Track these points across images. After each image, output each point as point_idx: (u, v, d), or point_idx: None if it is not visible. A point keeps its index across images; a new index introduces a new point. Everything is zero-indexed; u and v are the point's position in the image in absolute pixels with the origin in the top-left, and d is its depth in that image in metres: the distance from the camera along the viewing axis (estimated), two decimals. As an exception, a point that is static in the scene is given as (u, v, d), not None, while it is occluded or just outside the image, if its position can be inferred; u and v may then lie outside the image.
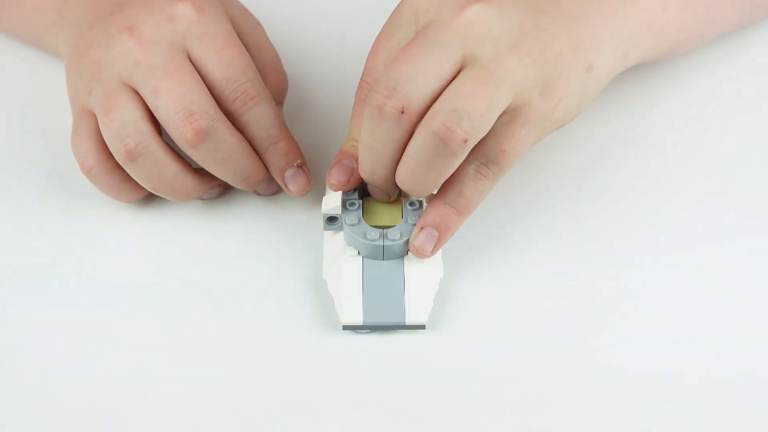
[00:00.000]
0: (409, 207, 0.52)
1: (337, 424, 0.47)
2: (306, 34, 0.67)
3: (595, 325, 0.51)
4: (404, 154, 0.48)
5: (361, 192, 0.53)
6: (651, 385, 0.48)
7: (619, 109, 0.63)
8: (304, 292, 0.52)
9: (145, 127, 0.51)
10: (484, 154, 0.48)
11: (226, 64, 0.52)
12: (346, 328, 0.50)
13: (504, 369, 0.49)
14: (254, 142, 0.54)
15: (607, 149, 0.60)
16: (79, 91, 0.54)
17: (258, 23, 0.60)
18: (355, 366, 0.49)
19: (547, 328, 0.50)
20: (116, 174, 0.53)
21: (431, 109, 0.47)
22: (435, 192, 0.50)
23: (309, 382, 0.48)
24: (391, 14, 0.52)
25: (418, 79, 0.46)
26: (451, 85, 0.47)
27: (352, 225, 0.51)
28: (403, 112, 0.46)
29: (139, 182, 0.53)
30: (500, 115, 0.47)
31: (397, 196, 0.52)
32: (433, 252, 0.51)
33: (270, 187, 0.56)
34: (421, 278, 0.51)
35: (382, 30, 0.52)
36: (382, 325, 0.50)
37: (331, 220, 0.52)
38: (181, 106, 0.50)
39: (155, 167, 0.52)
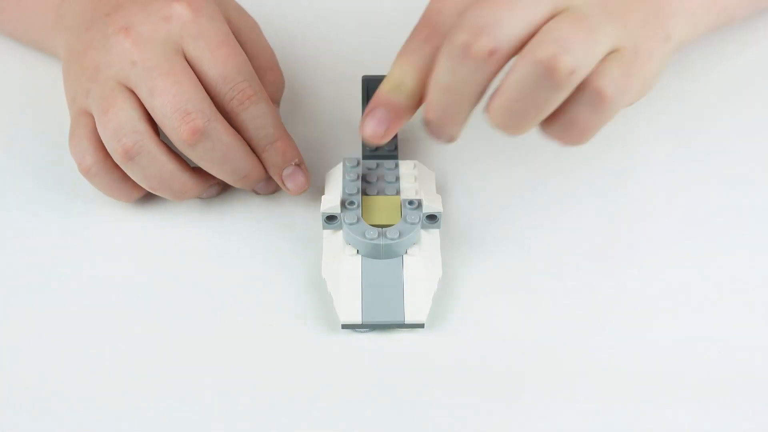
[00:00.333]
0: (408, 206, 0.52)
1: (337, 423, 0.47)
2: (302, 34, 0.67)
3: (595, 325, 0.51)
4: (501, 87, 0.44)
5: (360, 191, 0.53)
6: (651, 385, 0.48)
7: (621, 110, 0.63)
8: (303, 291, 0.52)
9: (142, 126, 0.51)
10: (583, 95, 0.44)
11: (222, 63, 0.52)
12: (345, 327, 0.50)
13: (503, 368, 0.49)
14: (251, 142, 0.54)
15: (608, 149, 0.60)
16: (76, 92, 0.54)
17: (255, 23, 0.60)
18: (354, 365, 0.49)
19: (546, 328, 0.50)
20: (114, 174, 0.53)
21: (532, 40, 0.43)
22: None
23: (308, 381, 0.48)
24: None
25: (510, 20, 0.43)
26: (547, 24, 0.43)
27: (351, 224, 0.51)
28: (491, 54, 0.43)
29: (137, 182, 0.53)
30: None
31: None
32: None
33: (268, 186, 0.56)
34: (420, 277, 0.50)
35: None
36: (381, 324, 0.50)
37: (330, 218, 0.52)
38: (177, 105, 0.51)
39: (153, 166, 0.52)
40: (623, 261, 0.53)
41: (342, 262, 0.51)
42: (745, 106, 0.62)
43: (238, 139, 0.53)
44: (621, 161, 0.59)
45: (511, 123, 0.45)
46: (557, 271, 0.53)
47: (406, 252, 0.51)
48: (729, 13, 0.58)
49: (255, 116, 0.53)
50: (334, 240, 0.52)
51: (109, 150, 0.52)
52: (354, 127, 0.61)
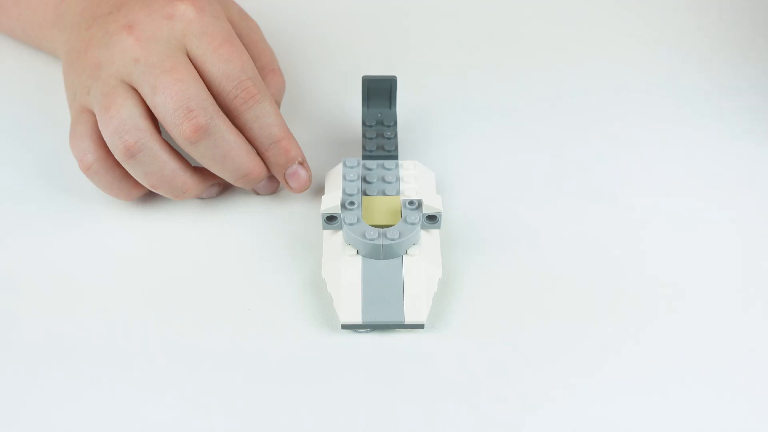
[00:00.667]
0: (408, 206, 0.52)
1: (336, 423, 0.47)
2: (303, 35, 0.67)
3: (595, 325, 0.51)
4: None
5: (360, 191, 0.53)
6: (651, 386, 0.48)
7: (621, 110, 0.63)
8: (303, 291, 0.52)
9: (144, 124, 0.51)
10: None
11: (225, 61, 0.52)
12: (345, 327, 0.50)
13: (503, 368, 0.49)
14: (255, 141, 0.54)
15: (608, 149, 0.60)
16: (77, 90, 0.54)
17: (256, 24, 0.60)
18: (354, 365, 0.49)
19: (546, 328, 0.50)
20: (115, 171, 0.53)
21: None
22: None
23: (308, 381, 0.48)
24: None
25: None
26: None
27: (351, 224, 0.51)
28: None
29: (137, 179, 0.53)
30: None
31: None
32: None
33: (269, 186, 0.56)
34: (420, 277, 0.50)
35: None
36: (381, 324, 0.50)
37: (330, 219, 0.52)
38: (179, 103, 0.51)
39: (154, 164, 0.52)
40: (623, 261, 0.53)
41: (342, 263, 0.51)
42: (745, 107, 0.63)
43: (240, 138, 0.53)
44: (621, 162, 0.59)
45: None
46: (557, 272, 0.53)
47: (406, 252, 0.51)
48: None
49: (259, 115, 0.53)
50: (334, 240, 0.52)
51: (110, 147, 0.52)
52: (354, 127, 0.61)
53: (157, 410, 0.47)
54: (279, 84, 0.59)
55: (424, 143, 0.60)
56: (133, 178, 0.54)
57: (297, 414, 0.47)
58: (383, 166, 0.55)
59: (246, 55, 0.53)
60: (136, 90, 0.52)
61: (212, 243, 0.54)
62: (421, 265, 0.51)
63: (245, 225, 0.55)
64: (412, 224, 0.51)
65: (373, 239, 0.51)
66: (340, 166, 0.55)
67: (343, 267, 0.51)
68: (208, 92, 0.52)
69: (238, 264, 0.53)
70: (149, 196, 0.56)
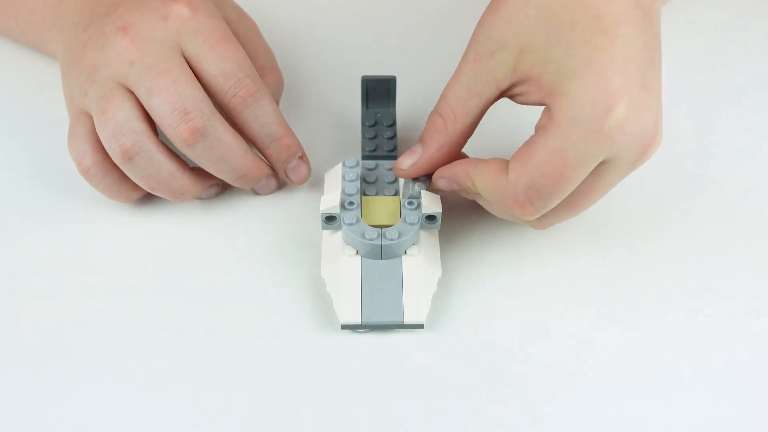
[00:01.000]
0: (407, 206, 0.52)
1: (336, 423, 0.47)
2: (302, 34, 0.67)
3: (595, 325, 0.51)
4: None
5: (360, 191, 0.53)
6: (651, 386, 0.48)
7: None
8: (303, 291, 0.52)
9: (141, 126, 0.51)
10: None
11: (221, 59, 0.52)
12: (344, 327, 0.50)
13: (502, 369, 0.49)
14: (255, 140, 0.54)
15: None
16: (75, 93, 0.54)
17: (254, 23, 0.60)
18: (353, 365, 0.49)
19: (545, 328, 0.50)
20: (113, 174, 0.53)
21: None
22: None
23: (307, 381, 0.48)
24: (479, 38, 0.49)
25: (558, 197, 0.47)
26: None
27: (350, 224, 0.51)
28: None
29: (136, 182, 0.53)
30: None
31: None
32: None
33: (267, 186, 0.56)
34: (419, 278, 0.50)
35: (470, 49, 0.49)
36: (380, 324, 0.50)
37: (330, 219, 0.52)
38: (175, 105, 0.51)
39: (151, 167, 0.52)
40: (623, 262, 0.53)
41: (341, 263, 0.51)
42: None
43: (237, 138, 0.53)
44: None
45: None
46: (556, 272, 0.53)
47: (405, 252, 0.51)
48: None
49: (258, 114, 0.53)
50: (334, 240, 0.52)
51: (107, 150, 0.52)
52: (353, 127, 0.61)
53: (157, 410, 0.47)
54: (277, 83, 0.59)
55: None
56: (132, 181, 0.53)
57: (297, 414, 0.47)
58: (382, 166, 0.55)
59: (242, 52, 0.53)
60: (132, 92, 0.52)
61: (211, 243, 0.54)
62: (421, 265, 0.51)
63: (244, 225, 0.55)
64: (412, 224, 0.51)
65: (372, 239, 0.51)
66: (339, 166, 0.55)
67: (343, 267, 0.51)
68: (205, 93, 0.52)
69: (237, 264, 0.53)
70: (148, 198, 0.56)
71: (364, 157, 0.56)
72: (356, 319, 0.49)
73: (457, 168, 0.51)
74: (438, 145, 0.51)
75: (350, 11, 0.68)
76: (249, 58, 0.54)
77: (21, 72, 0.64)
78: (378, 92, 0.58)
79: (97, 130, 0.52)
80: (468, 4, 0.69)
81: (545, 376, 0.48)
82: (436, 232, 0.53)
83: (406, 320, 0.49)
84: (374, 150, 0.57)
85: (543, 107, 0.47)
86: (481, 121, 0.50)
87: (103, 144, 0.52)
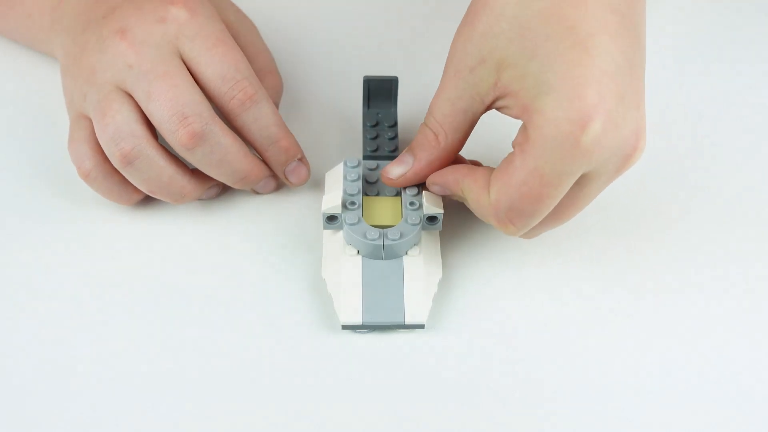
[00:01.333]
0: (408, 207, 0.52)
1: (336, 423, 0.47)
2: (302, 35, 0.67)
3: (595, 325, 0.51)
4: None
5: (361, 191, 0.53)
6: (651, 386, 0.48)
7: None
8: (304, 292, 0.52)
9: (140, 130, 0.51)
10: None
11: (219, 62, 0.52)
12: (345, 327, 0.50)
13: (503, 369, 0.49)
14: (254, 142, 0.54)
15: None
16: (74, 96, 0.54)
17: (253, 25, 0.60)
18: (354, 365, 0.49)
19: (546, 329, 0.50)
20: (113, 177, 0.53)
21: None
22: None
23: (308, 381, 0.48)
24: (456, 52, 0.48)
25: (539, 215, 0.47)
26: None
27: (351, 224, 0.51)
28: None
29: (136, 185, 0.53)
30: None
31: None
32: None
33: (268, 186, 0.56)
34: (420, 278, 0.50)
35: (450, 63, 0.48)
36: (381, 324, 0.50)
37: (331, 219, 0.52)
38: (174, 110, 0.50)
39: (151, 170, 0.52)
40: (623, 262, 0.53)
41: (342, 263, 0.51)
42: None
43: (236, 141, 0.53)
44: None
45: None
46: (557, 273, 0.53)
47: (406, 253, 0.51)
48: None
49: (257, 116, 0.53)
50: (335, 240, 0.52)
51: (107, 154, 0.52)
52: (355, 127, 0.61)
53: (157, 410, 0.47)
54: (277, 85, 0.59)
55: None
56: (132, 184, 0.53)
57: (297, 414, 0.47)
58: (384, 167, 0.55)
59: (240, 54, 0.53)
60: (131, 96, 0.52)
61: (212, 244, 0.54)
62: (422, 265, 0.51)
63: (245, 225, 0.55)
64: (413, 225, 0.51)
65: (373, 239, 0.51)
66: (340, 166, 0.55)
67: (344, 267, 0.51)
68: (203, 97, 0.51)
69: (237, 264, 0.53)
70: (148, 199, 0.56)
71: (365, 157, 0.56)
72: (357, 320, 0.49)
73: (448, 176, 0.51)
74: (429, 160, 0.51)
75: (351, 12, 0.68)
76: (248, 60, 0.54)
77: (21, 72, 0.64)
78: (380, 92, 0.58)
79: (96, 133, 0.52)
80: (468, 4, 0.69)
81: (545, 376, 0.48)
82: (437, 233, 0.53)
83: (407, 321, 0.50)
84: (376, 150, 0.57)
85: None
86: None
87: (103, 148, 0.52)
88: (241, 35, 0.57)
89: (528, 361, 0.49)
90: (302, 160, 0.55)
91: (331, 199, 0.52)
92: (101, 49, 0.52)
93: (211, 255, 0.54)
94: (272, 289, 0.52)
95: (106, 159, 0.53)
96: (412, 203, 0.52)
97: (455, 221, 0.55)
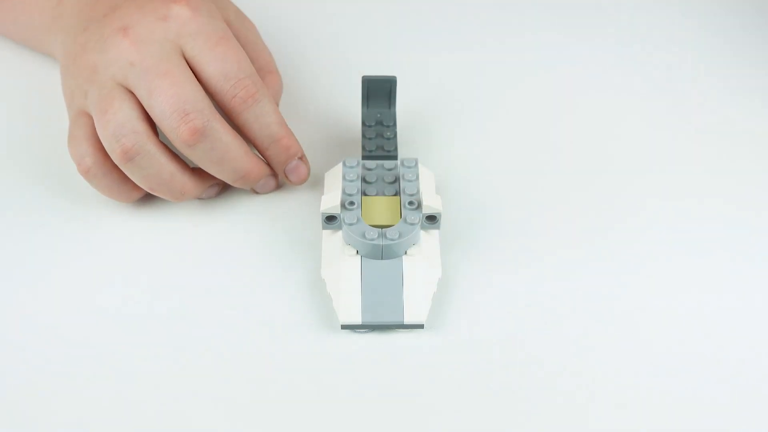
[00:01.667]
0: (408, 207, 0.52)
1: (336, 423, 0.47)
2: (302, 35, 0.67)
3: (595, 325, 0.51)
4: None
5: (360, 191, 0.53)
6: (651, 386, 0.48)
7: (624, 111, 0.63)
8: (303, 291, 0.52)
9: (141, 127, 0.51)
10: None
11: (221, 60, 0.52)
12: (344, 327, 0.50)
13: (502, 369, 0.49)
14: (255, 140, 0.54)
15: (610, 149, 0.60)
16: (75, 94, 0.54)
17: (253, 25, 0.60)
18: (353, 365, 0.49)
19: (546, 328, 0.50)
20: (113, 174, 0.53)
21: None
22: None
23: (308, 381, 0.48)
24: None
25: None
26: None
27: (350, 224, 0.51)
28: None
29: (136, 182, 0.53)
30: None
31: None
32: None
33: (267, 186, 0.56)
34: (419, 278, 0.50)
35: None
36: (380, 324, 0.50)
37: (330, 219, 0.52)
38: (175, 106, 0.51)
39: (152, 167, 0.52)
40: (623, 261, 0.53)
41: (341, 263, 0.51)
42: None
43: (237, 139, 0.53)
44: (621, 162, 0.59)
45: None
46: (557, 272, 0.53)
47: (405, 252, 0.51)
48: None
49: (258, 115, 0.53)
50: (334, 240, 0.52)
51: (108, 151, 0.52)
52: (353, 127, 0.61)
53: (157, 410, 0.47)
54: (277, 85, 0.59)
55: (423, 143, 0.60)
56: (132, 181, 0.53)
57: (297, 414, 0.47)
58: (383, 167, 0.55)
59: (242, 53, 0.53)
60: (132, 93, 0.52)
61: (211, 243, 0.54)
62: (421, 265, 0.51)
63: (244, 225, 0.55)
64: (412, 224, 0.51)
65: (372, 239, 0.51)
66: (339, 166, 0.55)
67: (343, 267, 0.51)
68: (205, 94, 0.52)
69: (237, 264, 0.53)
70: (148, 198, 0.56)
71: (364, 157, 0.56)
72: (356, 319, 0.49)
73: None
74: None
75: (351, 12, 0.68)
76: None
77: (21, 72, 0.64)
78: (379, 92, 0.58)
79: (97, 130, 0.52)
80: (468, 4, 0.70)
81: (546, 376, 0.48)
82: (437, 233, 0.53)
83: (407, 320, 0.49)
84: (375, 150, 0.57)
85: None
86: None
87: (104, 144, 0.52)
88: (241, 35, 0.57)
89: (528, 361, 0.49)
90: (302, 159, 0.56)
91: (330, 199, 0.52)
92: (103, 47, 0.53)
93: (210, 255, 0.54)
94: (271, 289, 0.52)
95: (106, 156, 0.53)
96: (411, 203, 0.52)
97: (455, 221, 0.55)
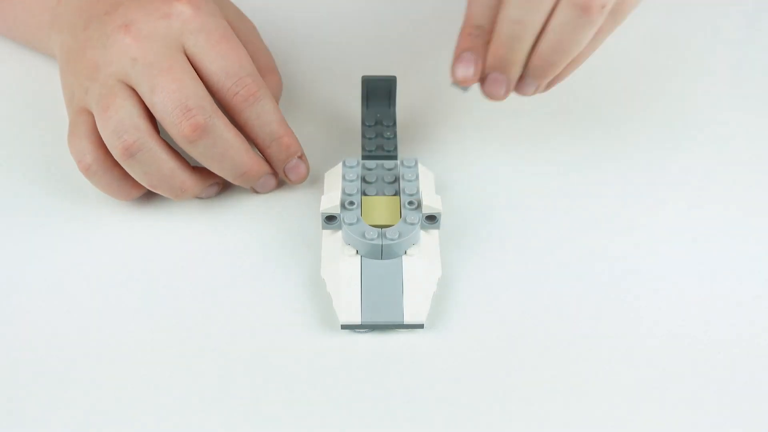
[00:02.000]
0: (408, 206, 0.52)
1: (335, 423, 0.47)
2: (302, 35, 0.67)
3: (595, 325, 0.50)
4: (545, 29, 0.49)
5: (360, 191, 0.53)
6: (651, 386, 0.48)
7: (625, 111, 0.63)
8: (303, 291, 0.52)
9: (143, 123, 0.51)
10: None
11: (223, 58, 0.52)
12: (344, 327, 0.50)
13: (502, 369, 0.49)
14: (256, 139, 0.54)
15: (610, 150, 0.60)
16: (75, 91, 0.54)
17: (253, 25, 0.60)
18: (353, 365, 0.49)
19: (546, 328, 0.50)
20: (114, 172, 0.53)
21: None
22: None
23: (307, 381, 0.48)
24: None
25: None
26: None
27: (350, 224, 0.51)
28: None
29: (136, 179, 0.53)
30: None
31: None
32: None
33: (267, 185, 0.56)
34: (419, 277, 0.50)
35: None
36: (380, 324, 0.50)
37: (330, 218, 0.52)
38: (177, 102, 0.51)
39: (153, 164, 0.52)
40: (623, 261, 0.53)
41: (341, 263, 0.51)
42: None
43: (238, 136, 0.53)
44: (620, 161, 0.59)
45: (556, 60, 0.50)
46: (557, 272, 0.53)
47: (405, 252, 0.51)
48: None
49: (259, 113, 0.53)
50: (334, 240, 0.52)
51: (109, 147, 0.52)
52: (353, 127, 0.61)
53: (156, 410, 0.47)
54: (276, 84, 0.59)
55: (423, 143, 0.60)
56: (132, 178, 0.54)
57: (296, 414, 0.47)
58: (383, 166, 0.55)
59: (244, 51, 0.53)
60: (134, 90, 0.52)
61: (211, 243, 0.54)
62: (421, 265, 0.51)
63: (244, 225, 0.55)
64: (412, 224, 0.51)
65: (372, 239, 0.51)
66: (339, 165, 0.55)
67: (343, 267, 0.51)
68: (206, 91, 0.52)
69: (237, 264, 0.53)
70: (148, 196, 0.56)
71: (364, 157, 0.57)
72: (356, 319, 0.49)
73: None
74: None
75: (351, 12, 0.68)
76: None
77: (21, 71, 0.64)
78: (378, 92, 0.58)
79: (98, 127, 0.52)
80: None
81: (546, 376, 0.48)
82: (437, 232, 0.53)
83: (406, 320, 0.49)
84: (374, 150, 0.57)
85: None
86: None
87: (105, 141, 0.52)
88: (241, 34, 0.57)
89: (528, 361, 0.49)
90: (302, 158, 0.56)
91: (330, 199, 0.52)
92: (104, 44, 0.53)
93: (210, 254, 0.54)
94: (271, 289, 0.52)
95: (106, 153, 0.53)
96: (410, 203, 0.52)
97: (455, 221, 0.55)
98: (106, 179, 0.53)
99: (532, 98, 0.61)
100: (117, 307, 0.51)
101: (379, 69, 0.61)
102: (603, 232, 0.55)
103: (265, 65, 0.59)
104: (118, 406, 0.47)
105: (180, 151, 0.54)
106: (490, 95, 0.51)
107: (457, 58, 0.50)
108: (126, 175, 0.54)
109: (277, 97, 0.59)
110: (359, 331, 0.50)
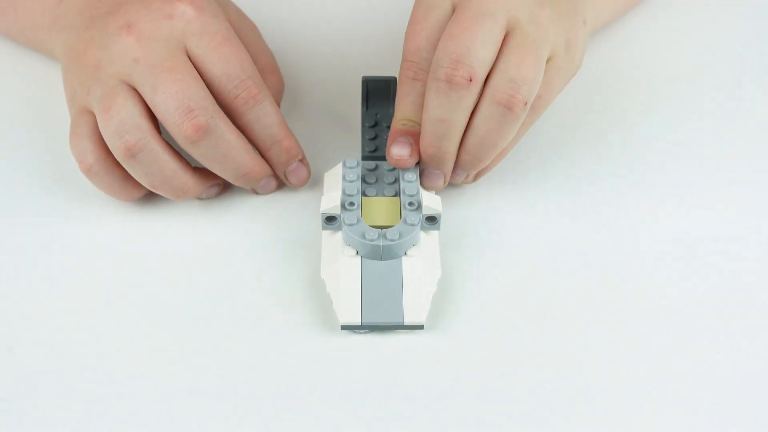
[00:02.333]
0: (408, 207, 0.52)
1: (335, 424, 0.47)
2: (302, 35, 0.67)
3: (595, 325, 0.51)
4: (471, 126, 0.52)
5: (360, 192, 0.53)
6: (650, 387, 0.48)
7: (624, 111, 0.63)
8: (303, 292, 0.52)
9: (144, 124, 0.51)
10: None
11: (225, 60, 0.52)
12: (344, 328, 0.50)
13: (502, 369, 0.49)
14: (257, 141, 0.54)
15: (611, 151, 0.60)
16: (77, 91, 0.54)
17: (254, 26, 0.60)
18: (353, 366, 0.49)
19: (545, 328, 0.50)
20: (115, 172, 0.53)
21: (490, 82, 0.50)
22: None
23: (307, 382, 0.48)
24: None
25: (477, 48, 0.50)
26: (502, 55, 0.50)
27: (350, 225, 0.51)
28: (470, 80, 0.50)
29: (138, 180, 0.53)
30: None
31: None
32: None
33: (268, 186, 0.56)
34: (419, 278, 0.50)
35: (414, 12, 0.53)
36: (380, 325, 0.50)
37: (330, 219, 0.52)
38: (179, 103, 0.51)
39: (154, 164, 0.52)
40: (623, 261, 0.53)
41: (341, 263, 0.51)
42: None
43: (240, 137, 0.53)
44: (620, 161, 0.59)
45: (483, 154, 0.53)
46: (556, 272, 0.53)
47: (405, 253, 0.51)
48: (624, 3, 0.66)
49: (260, 115, 0.53)
50: (334, 241, 0.52)
51: (110, 147, 0.52)
52: (354, 127, 0.61)
53: (156, 410, 0.47)
54: (278, 85, 0.59)
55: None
56: (133, 179, 0.54)
57: (296, 414, 0.47)
58: (383, 167, 0.55)
59: (246, 54, 0.53)
60: (136, 90, 0.52)
61: (211, 243, 0.54)
62: (421, 265, 0.51)
63: (244, 225, 0.55)
64: (412, 225, 0.51)
65: (372, 240, 0.51)
66: (339, 166, 0.55)
67: (343, 268, 0.51)
68: (208, 92, 0.52)
69: (237, 264, 0.53)
70: (149, 197, 0.56)
71: (364, 158, 0.57)
72: (356, 320, 0.49)
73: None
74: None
75: (351, 12, 0.68)
76: None
77: (22, 71, 0.64)
78: (378, 93, 0.58)
79: (100, 127, 0.52)
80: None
81: (545, 377, 0.48)
82: (436, 233, 0.53)
83: (406, 321, 0.49)
84: (374, 150, 0.57)
85: None
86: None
87: (106, 141, 0.52)
88: (243, 35, 0.57)
89: (527, 361, 0.49)
90: (303, 161, 0.56)
91: (330, 200, 0.52)
92: (107, 44, 0.53)
93: (210, 255, 0.54)
94: (271, 290, 0.52)
95: (108, 154, 0.53)
96: (411, 203, 0.52)
97: (455, 221, 0.55)
98: (108, 180, 0.53)
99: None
100: (117, 307, 0.51)
101: (379, 69, 0.61)
102: (603, 233, 0.55)
103: (266, 65, 0.59)
104: (118, 405, 0.47)
105: (181, 152, 0.54)
106: (429, 188, 0.54)
107: (393, 141, 0.53)
108: (127, 176, 0.53)
109: (278, 97, 0.59)
110: (359, 332, 0.50)
